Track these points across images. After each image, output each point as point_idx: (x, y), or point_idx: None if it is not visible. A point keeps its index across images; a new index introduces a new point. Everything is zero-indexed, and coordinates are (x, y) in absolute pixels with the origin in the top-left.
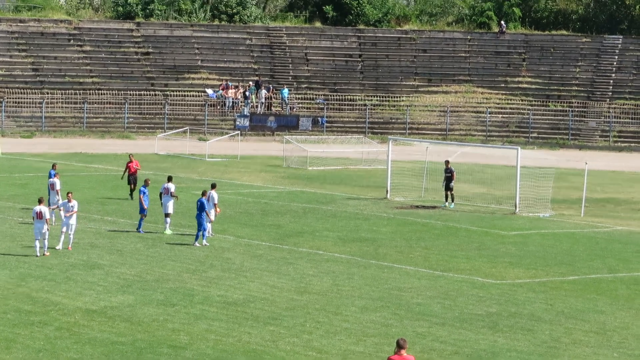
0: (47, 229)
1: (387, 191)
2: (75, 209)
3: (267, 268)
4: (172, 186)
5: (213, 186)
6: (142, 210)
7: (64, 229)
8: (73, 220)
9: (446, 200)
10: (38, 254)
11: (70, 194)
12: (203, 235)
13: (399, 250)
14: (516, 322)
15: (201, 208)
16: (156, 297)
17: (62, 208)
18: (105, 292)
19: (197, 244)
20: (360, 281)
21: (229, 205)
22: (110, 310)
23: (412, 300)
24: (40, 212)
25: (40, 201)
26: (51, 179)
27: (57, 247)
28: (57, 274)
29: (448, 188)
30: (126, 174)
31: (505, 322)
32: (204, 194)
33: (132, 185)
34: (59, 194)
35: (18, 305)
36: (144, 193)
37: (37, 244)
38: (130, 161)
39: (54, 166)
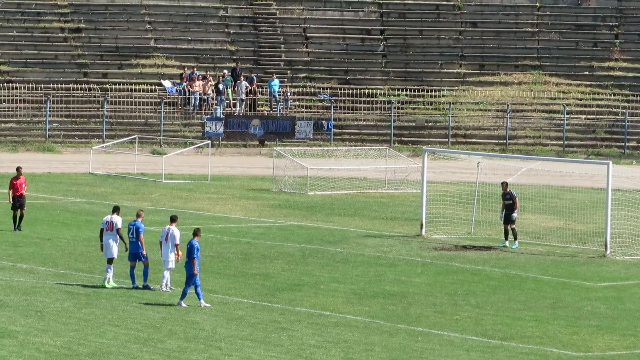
0: None
1: (421, 226)
2: None
3: (249, 336)
4: (118, 220)
5: (172, 220)
6: (142, 256)
7: None
8: None
9: (506, 237)
10: None
11: None
12: (198, 294)
13: (438, 310)
14: None
15: (190, 254)
16: None
17: None
18: None
19: (183, 304)
20: (383, 354)
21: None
22: None
23: None
24: None
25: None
26: None
27: None
28: None
29: (509, 221)
30: (11, 194)
31: None
32: (196, 233)
33: (20, 211)
34: None
35: None
36: (140, 229)
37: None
38: (17, 177)
39: None
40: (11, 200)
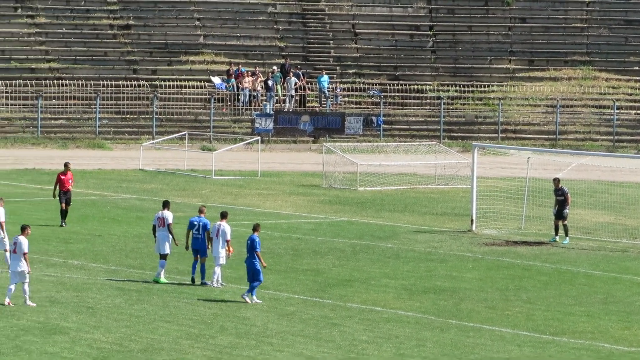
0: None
1: (472, 221)
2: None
3: (301, 332)
4: (168, 215)
5: (223, 216)
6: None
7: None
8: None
9: (557, 233)
10: None
11: (27, 229)
12: (253, 290)
13: (489, 306)
14: None
15: (253, 248)
16: None
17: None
18: None
19: (246, 298)
20: (434, 349)
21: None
22: None
23: None
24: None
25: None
26: None
27: (29, 303)
28: (3, 341)
29: (561, 217)
30: (57, 189)
31: None
32: (255, 228)
33: (64, 206)
34: (3, 227)
35: None
36: (207, 225)
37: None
38: (65, 172)
39: None
40: (55, 195)
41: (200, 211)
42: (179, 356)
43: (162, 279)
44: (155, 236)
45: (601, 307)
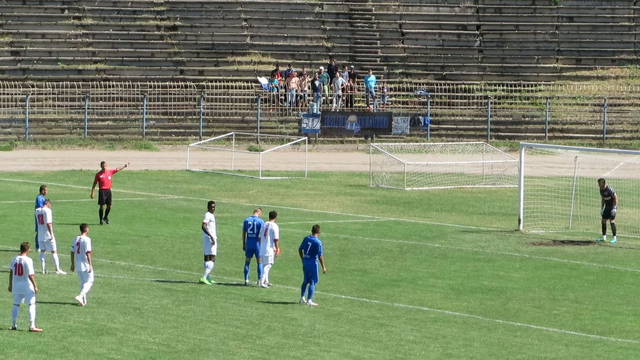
0: (34, 291)
1: (519, 221)
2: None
3: (348, 332)
4: (206, 215)
5: (272, 216)
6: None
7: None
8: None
9: (604, 232)
10: (16, 326)
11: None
12: (311, 291)
13: (537, 305)
14: None
15: (313, 251)
16: None
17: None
18: None
19: (308, 301)
20: (482, 350)
21: (292, 242)
22: None
23: None
24: (21, 266)
25: (23, 248)
26: (39, 209)
27: (78, 298)
28: (51, 342)
29: (608, 216)
30: (96, 188)
31: None
32: (315, 230)
33: (105, 205)
34: (51, 229)
35: None
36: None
37: (16, 311)
38: (102, 171)
39: (42, 190)
40: (93, 195)
41: (255, 211)
42: (226, 357)
43: (205, 279)
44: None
45: None
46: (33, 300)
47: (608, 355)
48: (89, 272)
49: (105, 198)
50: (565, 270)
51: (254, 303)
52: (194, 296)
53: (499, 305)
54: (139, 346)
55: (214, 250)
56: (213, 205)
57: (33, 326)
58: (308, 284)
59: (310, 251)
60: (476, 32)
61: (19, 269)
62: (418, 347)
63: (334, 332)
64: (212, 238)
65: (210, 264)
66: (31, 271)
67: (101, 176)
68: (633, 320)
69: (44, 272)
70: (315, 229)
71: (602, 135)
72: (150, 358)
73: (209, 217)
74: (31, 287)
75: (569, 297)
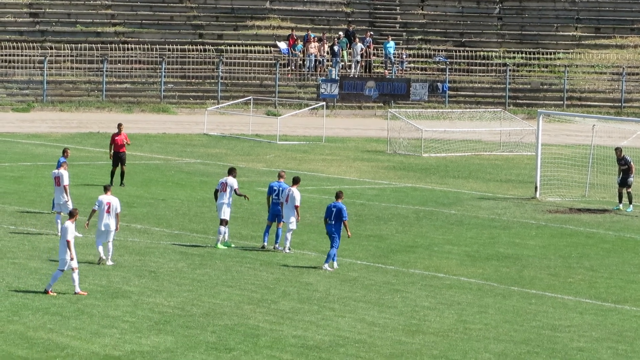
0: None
1: (536, 188)
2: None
3: (363, 297)
4: (233, 182)
5: (295, 181)
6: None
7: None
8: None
9: (620, 200)
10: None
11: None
12: (333, 257)
13: (552, 273)
14: None
15: (338, 216)
16: (205, 338)
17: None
18: (132, 331)
19: (326, 267)
20: (497, 316)
21: (309, 207)
22: (140, 357)
23: (572, 344)
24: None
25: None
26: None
27: (103, 258)
28: (65, 305)
29: (624, 184)
30: (112, 152)
31: None
32: (339, 195)
33: (120, 167)
34: (67, 191)
35: (8, 350)
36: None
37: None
38: (118, 133)
39: (65, 152)
40: (111, 156)
41: (280, 176)
42: (240, 321)
43: (219, 245)
44: (216, 200)
45: None
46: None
47: (622, 324)
48: (115, 230)
49: (119, 160)
50: (581, 238)
51: (269, 267)
52: (210, 260)
53: (514, 273)
54: (154, 309)
55: (227, 214)
56: (235, 171)
57: (77, 289)
58: (330, 249)
59: (335, 216)
60: (496, 0)
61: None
62: (433, 313)
63: (349, 297)
64: (245, 197)
65: (224, 228)
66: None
67: (116, 138)
68: None
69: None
70: (338, 195)
71: (619, 104)
72: (165, 321)
73: (236, 182)
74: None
75: (584, 265)
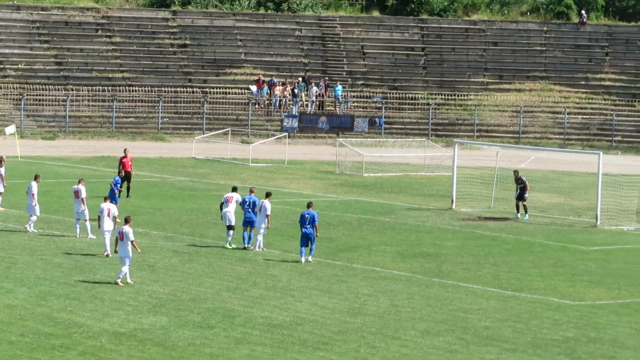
0: (136, 251)
1: (452, 201)
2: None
3: (316, 286)
4: (238, 196)
5: (267, 195)
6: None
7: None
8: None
9: (518, 211)
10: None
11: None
12: (311, 250)
13: (465, 267)
14: (596, 349)
15: (312, 221)
16: (192, 318)
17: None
18: (135, 312)
19: (309, 258)
20: (421, 302)
21: (274, 216)
22: (141, 333)
23: (480, 324)
24: (123, 233)
25: (126, 221)
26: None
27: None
28: (82, 292)
29: (521, 198)
30: (120, 169)
31: (584, 348)
32: (309, 205)
33: (127, 183)
34: (84, 202)
35: (37, 327)
36: (257, 202)
37: (125, 270)
38: (125, 156)
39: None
40: (122, 173)
41: (251, 191)
42: (220, 305)
43: (228, 245)
44: (222, 211)
45: (552, 269)
46: (128, 261)
47: (519, 307)
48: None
49: (126, 177)
50: (488, 240)
51: (243, 262)
52: (196, 256)
53: (435, 267)
54: (152, 295)
55: (233, 221)
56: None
57: (128, 280)
58: (309, 247)
59: (309, 222)
60: (421, 52)
61: (122, 236)
62: (371, 299)
63: (306, 286)
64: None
65: (230, 232)
66: (131, 237)
67: (124, 160)
68: (539, 280)
69: (78, 236)
70: (309, 205)
71: (518, 135)
72: (160, 305)
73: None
74: (131, 251)
75: (490, 261)
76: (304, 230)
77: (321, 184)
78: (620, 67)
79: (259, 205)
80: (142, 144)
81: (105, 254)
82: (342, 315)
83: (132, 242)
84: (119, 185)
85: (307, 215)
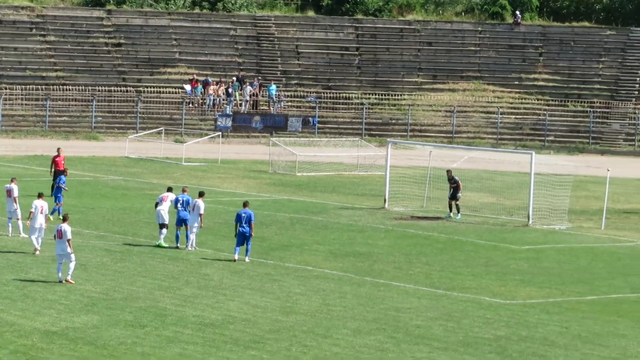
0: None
1: (385, 200)
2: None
3: (248, 285)
4: (172, 196)
5: (200, 194)
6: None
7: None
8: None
9: (450, 210)
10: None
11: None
12: (247, 250)
13: (397, 267)
14: (527, 347)
15: (249, 220)
16: (124, 317)
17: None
18: (67, 311)
19: (246, 258)
20: (353, 300)
21: (207, 215)
22: (73, 332)
23: (411, 322)
24: (61, 232)
25: (64, 219)
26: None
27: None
28: (13, 290)
29: (454, 198)
30: (53, 170)
31: (514, 346)
32: (246, 204)
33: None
34: (17, 201)
35: None
36: (189, 201)
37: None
38: (57, 155)
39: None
40: (52, 173)
41: (184, 190)
42: (152, 303)
43: (163, 242)
44: (156, 209)
45: (483, 268)
46: (73, 257)
47: (451, 306)
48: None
49: (59, 176)
50: (420, 239)
51: (175, 261)
52: (128, 255)
53: (367, 266)
54: (84, 294)
55: (166, 219)
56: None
57: (69, 278)
58: (244, 245)
59: (246, 221)
60: (356, 52)
61: (60, 234)
62: (303, 298)
63: (238, 285)
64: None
65: (164, 231)
66: (69, 236)
67: (57, 159)
68: (471, 279)
69: (10, 235)
70: (245, 204)
71: (451, 135)
72: (92, 304)
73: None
74: (69, 249)
75: (422, 260)
76: (240, 229)
77: (254, 183)
78: (554, 67)
79: (192, 204)
80: (76, 142)
81: (36, 251)
82: (274, 314)
83: (68, 240)
84: (64, 185)
85: (243, 215)
